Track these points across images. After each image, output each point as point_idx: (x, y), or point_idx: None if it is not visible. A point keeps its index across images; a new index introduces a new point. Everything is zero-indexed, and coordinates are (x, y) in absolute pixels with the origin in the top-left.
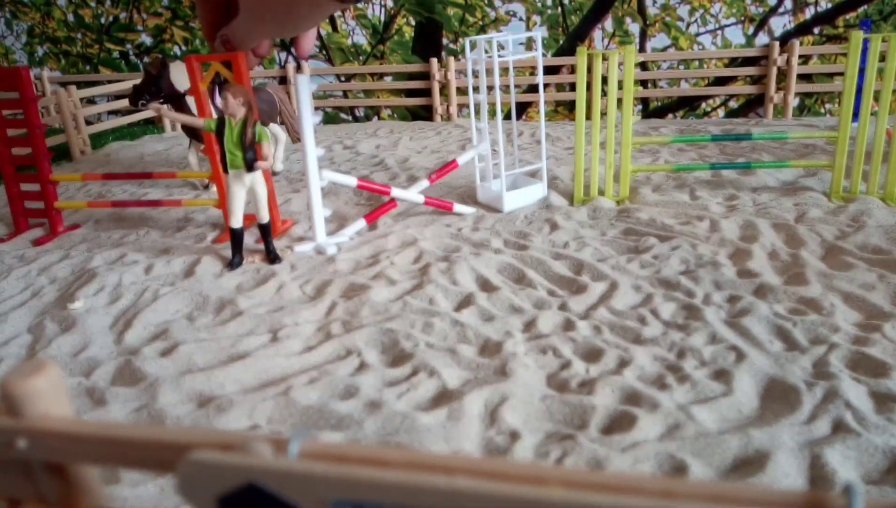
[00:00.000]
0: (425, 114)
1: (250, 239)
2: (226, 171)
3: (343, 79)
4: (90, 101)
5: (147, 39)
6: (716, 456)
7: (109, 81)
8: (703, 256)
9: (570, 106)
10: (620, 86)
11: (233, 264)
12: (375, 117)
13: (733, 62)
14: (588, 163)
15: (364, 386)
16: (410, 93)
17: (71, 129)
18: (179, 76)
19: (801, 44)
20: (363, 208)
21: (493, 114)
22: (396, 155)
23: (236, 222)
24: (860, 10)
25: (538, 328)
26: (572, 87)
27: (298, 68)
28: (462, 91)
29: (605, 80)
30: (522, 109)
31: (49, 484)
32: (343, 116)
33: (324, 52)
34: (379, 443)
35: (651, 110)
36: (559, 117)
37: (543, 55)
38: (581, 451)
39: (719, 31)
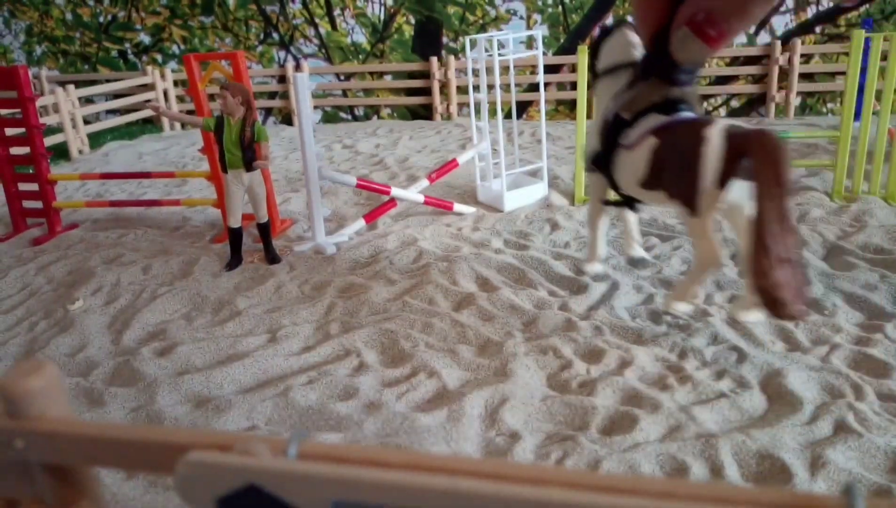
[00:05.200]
0: (425, 113)
1: (249, 239)
2: (225, 170)
3: (342, 78)
4: (88, 100)
5: (146, 38)
6: (717, 458)
7: (108, 81)
8: None
9: (571, 105)
10: None
11: (231, 263)
12: (375, 116)
13: (735, 61)
14: None
15: (363, 387)
16: (410, 92)
17: (69, 128)
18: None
19: (803, 43)
20: (362, 208)
21: (493, 113)
22: (396, 154)
23: (235, 221)
24: (862, 9)
25: (538, 328)
26: (573, 85)
27: (297, 67)
28: (462, 90)
29: None
30: (523, 108)
31: (47, 485)
32: (342, 115)
33: (323, 50)
34: (378, 444)
35: None
36: (560, 116)
37: (544, 54)
38: (582, 452)
39: None
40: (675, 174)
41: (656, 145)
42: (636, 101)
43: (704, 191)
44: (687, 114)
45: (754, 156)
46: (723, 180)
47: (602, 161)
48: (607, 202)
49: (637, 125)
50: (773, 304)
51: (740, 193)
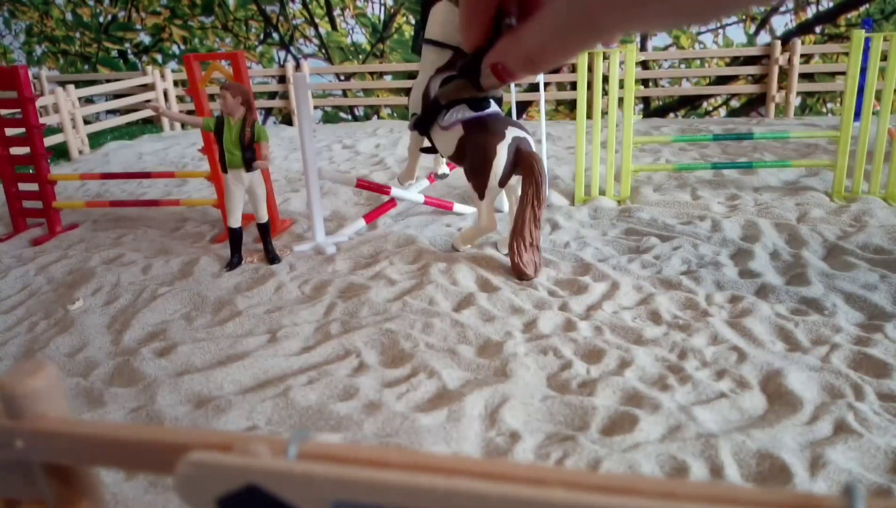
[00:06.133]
0: None
1: (249, 239)
2: (224, 170)
3: (342, 78)
4: (88, 100)
5: (146, 38)
6: (717, 458)
7: (108, 81)
8: (704, 256)
9: (571, 105)
10: (621, 85)
11: (231, 263)
12: (375, 116)
13: (735, 61)
14: (589, 162)
15: (363, 387)
16: (410, 92)
17: (69, 128)
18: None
19: (803, 43)
20: (362, 208)
21: None
22: (396, 154)
23: (235, 221)
24: (862, 9)
25: (538, 328)
26: (573, 86)
27: (297, 67)
28: None
29: (605, 79)
30: (523, 108)
31: (47, 485)
32: (342, 115)
33: (323, 51)
34: (378, 444)
35: (652, 110)
36: (560, 116)
37: None
38: (582, 452)
39: (720, 30)
40: (472, 168)
41: (462, 136)
42: (451, 93)
43: (491, 187)
44: (491, 109)
45: (524, 172)
46: (503, 182)
47: (423, 128)
48: (423, 150)
49: (451, 112)
50: (520, 273)
51: (515, 180)
